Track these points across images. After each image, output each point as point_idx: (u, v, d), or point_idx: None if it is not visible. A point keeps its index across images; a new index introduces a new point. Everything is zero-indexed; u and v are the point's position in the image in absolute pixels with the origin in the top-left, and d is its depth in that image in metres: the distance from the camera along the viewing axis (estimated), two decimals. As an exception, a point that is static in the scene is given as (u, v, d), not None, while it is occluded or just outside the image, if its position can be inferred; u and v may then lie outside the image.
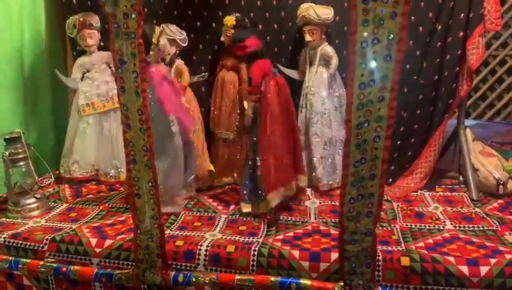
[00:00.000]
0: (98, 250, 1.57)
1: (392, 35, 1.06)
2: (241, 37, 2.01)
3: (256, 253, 1.49)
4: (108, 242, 1.58)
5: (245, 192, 1.93)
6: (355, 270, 1.25)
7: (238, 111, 2.24)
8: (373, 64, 1.09)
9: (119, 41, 1.21)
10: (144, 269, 1.37)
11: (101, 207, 1.98)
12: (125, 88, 1.23)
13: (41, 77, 2.39)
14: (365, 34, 1.07)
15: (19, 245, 1.62)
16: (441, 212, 1.86)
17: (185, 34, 2.20)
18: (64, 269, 1.45)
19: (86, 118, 2.23)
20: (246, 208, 1.90)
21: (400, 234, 1.66)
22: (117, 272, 1.42)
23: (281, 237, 1.65)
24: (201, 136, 2.27)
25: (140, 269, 1.37)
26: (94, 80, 2.25)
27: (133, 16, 1.19)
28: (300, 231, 1.71)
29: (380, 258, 1.41)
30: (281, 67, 2.21)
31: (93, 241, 1.59)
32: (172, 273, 1.40)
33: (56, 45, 2.46)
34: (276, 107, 1.84)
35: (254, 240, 1.61)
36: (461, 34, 2.05)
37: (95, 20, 2.21)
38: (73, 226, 1.75)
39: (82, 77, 2.28)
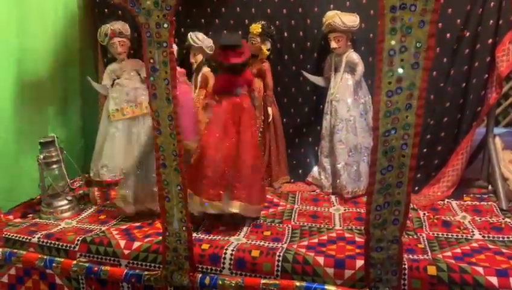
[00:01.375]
0: (126, 252, 1.61)
1: (419, 44, 1.07)
2: (235, 43, 1.82)
3: (280, 258, 1.50)
4: (136, 244, 1.63)
5: None
6: (380, 278, 1.24)
7: (263, 117, 2.26)
8: (400, 72, 1.10)
9: (151, 49, 1.25)
10: (171, 271, 1.40)
11: (129, 210, 2.03)
12: (157, 95, 1.27)
13: (73, 83, 2.48)
14: (393, 42, 1.08)
15: (51, 245, 1.68)
16: (469, 221, 1.82)
17: (211, 41, 2.25)
18: (95, 268, 1.50)
19: (115, 123, 2.29)
20: None
21: (426, 242, 1.64)
22: (146, 273, 1.46)
23: (305, 243, 1.65)
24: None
25: (168, 270, 1.41)
26: (124, 86, 2.31)
27: (165, 25, 1.23)
28: (325, 237, 1.71)
29: (406, 266, 1.40)
30: (305, 74, 2.23)
31: (122, 243, 1.64)
32: (199, 275, 1.42)
33: (88, 52, 2.56)
34: (218, 126, 1.82)
35: (278, 245, 1.62)
36: (490, 40, 2.02)
37: (126, 29, 2.28)
38: (103, 228, 1.81)
39: (112, 84, 2.35)
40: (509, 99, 3.50)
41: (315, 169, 2.35)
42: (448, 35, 2.09)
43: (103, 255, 1.63)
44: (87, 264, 1.53)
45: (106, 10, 2.37)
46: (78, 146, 2.57)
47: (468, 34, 2.07)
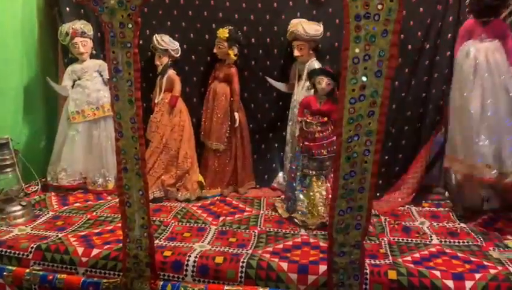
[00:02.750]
0: (84, 259, 1.55)
1: (383, 52, 1.09)
2: None
3: (244, 264, 1.49)
4: (95, 251, 1.56)
5: None
6: (343, 282, 1.26)
7: (229, 122, 2.25)
8: (364, 79, 1.12)
9: (114, 50, 1.21)
10: (132, 278, 1.36)
11: (89, 216, 1.96)
12: (119, 96, 1.23)
13: (34, 84, 2.37)
14: (357, 50, 1.10)
15: (3, 253, 1.59)
16: (427, 227, 1.88)
17: (177, 44, 2.22)
18: (50, 277, 1.43)
19: (75, 125, 2.22)
20: None
21: (387, 247, 1.67)
22: (104, 281, 1.41)
23: (270, 249, 1.65)
24: (192, 146, 2.27)
25: (128, 278, 1.36)
26: (85, 88, 2.24)
27: (130, 25, 1.20)
28: (290, 243, 1.71)
29: (368, 271, 1.42)
30: (269, 79, 2.25)
31: (80, 250, 1.57)
32: (161, 283, 1.38)
33: (49, 52, 2.46)
34: None
35: (243, 251, 1.61)
36: (448, 53, 2.11)
37: (88, 29, 2.22)
38: (60, 235, 1.73)
39: (73, 85, 2.27)
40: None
41: (280, 174, 2.36)
42: (409, 46, 2.17)
43: (59, 264, 1.56)
44: (41, 273, 1.45)
45: (67, 9, 2.29)
46: (40, 149, 2.46)
47: (428, 46, 2.16)
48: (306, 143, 1.93)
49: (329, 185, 1.92)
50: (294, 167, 1.99)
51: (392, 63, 1.11)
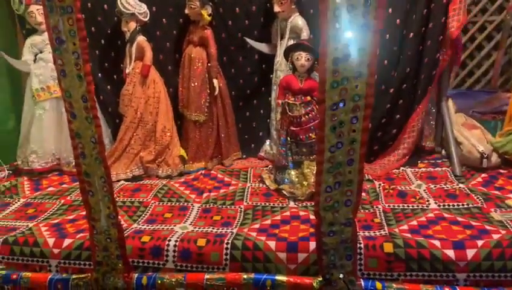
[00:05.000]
0: (56, 251, 1.43)
1: (369, 1, 0.92)
2: None
3: (229, 246, 1.37)
4: (67, 241, 1.45)
5: None
6: (334, 264, 1.14)
7: (208, 91, 2.08)
8: (348, 35, 0.95)
9: (54, 17, 1.03)
10: (103, 273, 1.24)
11: (63, 201, 1.83)
12: (66, 72, 1.06)
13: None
14: (338, 0, 0.93)
15: (-33, 249, 1.46)
16: (424, 190, 1.77)
17: (145, 7, 2.01)
18: (14, 276, 1.31)
19: (41, 103, 2.04)
20: None
21: (382, 216, 1.57)
22: (74, 277, 1.29)
23: (257, 225, 1.54)
24: (171, 119, 2.11)
25: (99, 272, 1.24)
26: (48, 62, 2.04)
27: (68, -14, 1.01)
28: (278, 217, 1.60)
29: (362, 245, 1.31)
30: (249, 40, 2.06)
31: (51, 241, 1.45)
32: (135, 275, 1.27)
33: (6, 24, 2.23)
34: None
35: (228, 231, 1.49)
36: (444, 0, 1.91)
37: (44, -5, 1.99)
38: (30, 225, 1.60)
39: (34, 59, 2.07)
40: (473, 60, 3.48)
41: (267, 143, 2.22)
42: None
43: (29, 257, 1.44)
44: (4, 272, 1.33)
45: (20, -27, 2.04)
46: (6, 130, 2.29)
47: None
48: (292, 128, 1.80)
49: None
50: (284, 153, 1.85)
51: (380, 13, 0.94)
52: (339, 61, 0.96)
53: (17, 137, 2.17)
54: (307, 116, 1.78)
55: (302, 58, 1.75)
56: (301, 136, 1.80)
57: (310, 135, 1.79)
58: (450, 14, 1.91)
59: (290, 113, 1.80)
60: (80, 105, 1.07)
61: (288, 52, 1.80)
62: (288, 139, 1.84)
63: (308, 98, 1.79)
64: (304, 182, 1.79)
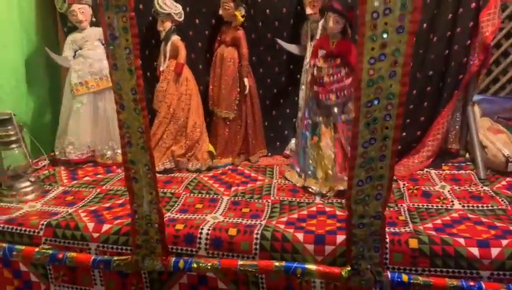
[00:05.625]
0: (95, 235, 1.51)
1: (405, 5, 0.98)
2: None
3: (259, 236, 1.44)
4: (106, 227, 1.53)
5: None
6: (363, 255, 1.20)
7: (239, 89, 2.16)
8: (384, 36, 1.01)
9: (109, 14, 1.11)
10: (143, 256, 1.32)
11: (98, 190, 1.92)
12: (118, 66, 1.14)
13: (35, 55, 2.27)
14: (376, 3, 0.98)
15: (13, 231, 1.56)
16: (448, 191, 1.80)
17: (180, 7, 2.10)
18: (60, 255, 1.40)
19: (79, 97, 2.15)
20: None
21: (407, 214, 1.61)
22: (115, 258, 1.37)
23: (284, 219, 1.59)
24: (201, 115, 2.20)
25: (139, 255, 1.32)
26: (87, 58, 2.15)
27: (124, -14, 1.09)
28: (305, 212, 1.66)
29: (388, 240, 1.36)
30: (280, 41, 2.13)
31: (91, 225, 1.54)
32: (173, 259, 1.34)
33: (48, 22, 2.35)
34: None
35: (257, 222, 1.56)
36: (473, 4, 1.95)
37: (86, -6, 2.10)
38: (70, 210, 1.70)
39: (74, 55, 2.18)
40: (499, 66, 3.48)
41: (293, 141, 2.28)
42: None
43: (70, 240, 1.53)
44: (50, 252, 1.42)
45: (64, -27, 2.16)
46: (46, 123, 2.41)
47: (450, -3, 1.99)
48: (315, 88, 1.79)
49: (338, 135, 1.81)
50: (306, 115, 1.87)
51: (415, 16, 0.99)
52: (374, 61, 1.02)
53: (53, 129, 2.28)
54: (331, 78, 1.74)
55: (331, 20, 1.73)
56: (321, 96, 1.78)
57: (330, 96, 1.75)
58: (484, 18, 1.93)
59: (315, 74, 1.79)
60: (129, 97, 1.15)
61: (321, 12, 1.80)
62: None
63: (338, 61, 1.76)
64: (322, 173, 1.81)
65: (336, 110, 1.79)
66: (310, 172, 1.88)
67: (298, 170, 1.95)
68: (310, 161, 1.87)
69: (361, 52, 1.02)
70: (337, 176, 1.79)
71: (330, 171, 1.81)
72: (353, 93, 1.58)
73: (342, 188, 1.75)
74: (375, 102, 1.05)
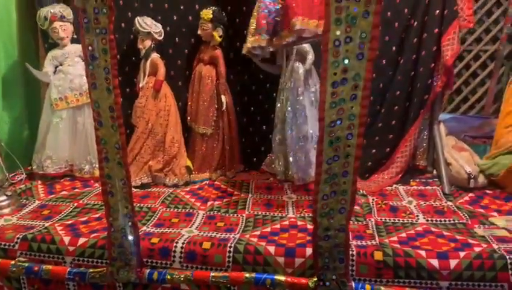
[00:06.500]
0: (71, 248, 1.54)
1: (364, 34, 1.07)
2: None
3: (232, 249, 1.49)
4: (82, 240, 1.56)
5: None
6: (328, 266, 1.26)
7: (216, 106, 2.23)
8: (346, 62, 1.10)
9: (89, 36, 1.18)
10: (118, 267, 1.36)
11: (75, 204, 1.95)
12: (97, 85, 1.20)
13: (14, 70, 2.31)
14: (338, 32, 1.07)
15: (-12, 244, 1.58)
16: (414, 206, 1.89)
17: (160, 27, 2.17)
18: (36, 268, 1.42)
19: (59, 112, 2.18)
20: None
21: (374, 228, 1.68)
22: (91, 270, 1.40)
23: (258, 232, 1.65)
24: (179, 131, 2.25)
25: (114, 267, 1.36)
26: (67, 74, 2.19)
27: (104, 10, 1.16)
28: (278, 226, 1.72)
29: (354, 253, 1.43)
30: (257, 61, 2.21)
31: (66, 239, 1.56)
32: (147, 271, 1.38)
33: (29, 37, 2.39)
34: None
35: (231, 236, 1.61)
36: (436, 30, 2.08)
37: (68, 12, 2.15)
38: (46, 224, 1.72)
39: (54, 71, 2.22)
40: (468, 87, 3.64)
41: (268, 157, 2.35)
42: (396, 24, 2.14)
43: (46, 253, 1.55)
44: (26, 264, 1.44)
45: (46, -9, 2.21)
46: (24, 137, 2.42)
47: (415, 23, 2.12)
48: None
49: None
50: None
51: (374, 44, 1.08)
52: (337, 85, 1.11)
53: (30, 144, 2.30)
54: None
55: None
56: None
57: None
58: (444, 43, 2.07)
59: None
60: (107, 114, 1.21)
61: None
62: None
63: None
64: None
65: None
66: None
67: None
68: None
69: (324, 76, 1.10)
70: None
71: None
72: None
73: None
74: (338, 122, 1.13)
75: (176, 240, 1.54)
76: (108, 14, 1.16)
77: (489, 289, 1.37)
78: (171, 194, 2.05)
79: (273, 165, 2.27)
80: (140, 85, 2.20)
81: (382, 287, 1.32)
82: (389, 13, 2.11)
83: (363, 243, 1.54)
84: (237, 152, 2.34)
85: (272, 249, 1.48)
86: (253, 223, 1.75)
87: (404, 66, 2.17)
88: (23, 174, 2.17)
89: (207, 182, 2.22)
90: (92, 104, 1.22)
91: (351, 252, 1.41)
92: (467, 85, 3.73)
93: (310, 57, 2.08)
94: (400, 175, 2.21)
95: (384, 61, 2.17)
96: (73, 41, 2.23)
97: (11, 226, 1.72)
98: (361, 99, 1.11)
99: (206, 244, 1.52)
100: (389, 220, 1.77)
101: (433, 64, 2.13)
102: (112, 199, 1.29)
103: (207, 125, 2.22)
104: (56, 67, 2.22)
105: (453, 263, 1.39)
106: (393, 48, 2.17)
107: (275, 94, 2.26)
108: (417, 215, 1.79)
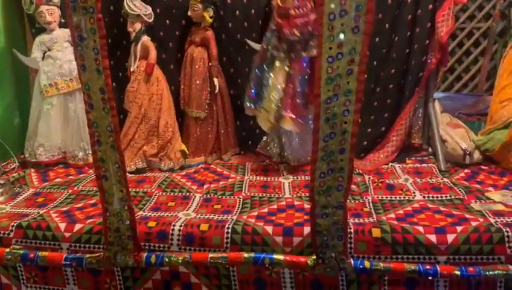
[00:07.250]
0: (67, 235, 1.52)
1: (360, 7, 1.04)
2: None
3: (230, 230, 1.48)
4: (78, 226, 1.54)
5: None
6: (327, 244, 1.26)
7: (209, 89, 2.20)
8: (341, 37, 1.08)
9: (77, 16, 1.14)
10: (115, 252, 1.34)
11: (70, 191, 1.93)
12: (86, 66, 1.17)
13: (1, 57, 2.26)
14: (332, 5, 1.05)
15: (-17, 233, 1.56)
16: (410, 183, 1.90)
17: (150, 9, 2.12)
18: (31, 255, 1.41)
19: (49, 99, 2.14)
20: None
21: (371, 206, 1.69)
22: (87, 256, 1.39)
23: (255, 213, 1.64)
24: (173, 115, 2.22)
25: (111, 252, 1.35)
26: (56, 59, 2.15)
27: (91, -12, 1.12)
28: (275, 206, 1.71)
29: (352, 230, 1.43)
30: (249, 42, 2.18)
31: (62, 226, 1.55)
32: (145, 254, 1.38)
33: (15, 23, 2.33)
34: None
35: (229, 217, 1.60)
36: (430, 6, 2.06)
37: (54, -5, 2.10)
38: (41, 212, 1.70)
39: (43, 57, 2.17)
40: (462, 65, 3.63)
41: (264, 139, 2.33)
42: (389, 1, 2.10)
43: (42, 240, 1.53)
44: (22, 251, 1.43)
45: (30, -26, 2.14)
46: (15, 125, 2.38)
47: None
48: (278, 20, 1.73)
49: (293, 72, 1.79)
50: (265, 47, 1.85)
51: (370, 17, 1.06)
52: (332, 60, 1.09)
53: (22, 132, 2.26)
54: (296, 11, 1.67)
55: None
56: (285, 30, 1.72)
57: (295, 31, 1.69)
58: (439, 19, 2.05)
59: (280, 4, 1.72)
60: (97, 97, 1.18)
61: None
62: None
63: None
64: (271, 94, 1.82)
65: (298, 46, 1.76)
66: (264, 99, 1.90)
67: (253, 92, 1.95)
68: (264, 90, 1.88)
69: (319, 51, 1.08)
70: (281, 114, 1.83)
71: (274, 106, 1.84)
72: (316, 30, 1.55)
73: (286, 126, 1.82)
74: (334, 98, 1.11)
75: (173, 223, 1.53)
76: (95, -7, 1.12)
77: (486, 262, 1.38)
78: (166, 179, 2.04)
79: (268, 148, 2.25)
80: (132, 69, 2.16)
81: (381, 263, 1.32)
82: (382, -11, 2.08)
83: (361, 220, 1.54)
84: (232, 135, 2.32)
85: (269, 228, 1.48)
86: (250, 205, 1.74)
87: (399, 44, 2.15)
88: (15, 162, 2.14)
89: (202, 165, 2.21)
90: (82, 87, 1.19)
91: (349, 230, 1.41)
92: (460, 63, 3.71)
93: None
94: (396, 154, 2.20)
95: (377, 39, 2.14)
96: (61, 26, 2.18)
97: (5, 215, 1.69)
98: (357, 74, 1.09)
99: (204, 226, 1.51)
100: (386, 197, 1.77)
101: (427, 41, 2.11)
102: (106, 183, 1.27)
103: (200, 108, 2.19)
104: (44, 52, 2.17)
105: (450, 237, 1.40)
106: (387, 26, 2.14)
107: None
108: (414, 193, 1.79)
